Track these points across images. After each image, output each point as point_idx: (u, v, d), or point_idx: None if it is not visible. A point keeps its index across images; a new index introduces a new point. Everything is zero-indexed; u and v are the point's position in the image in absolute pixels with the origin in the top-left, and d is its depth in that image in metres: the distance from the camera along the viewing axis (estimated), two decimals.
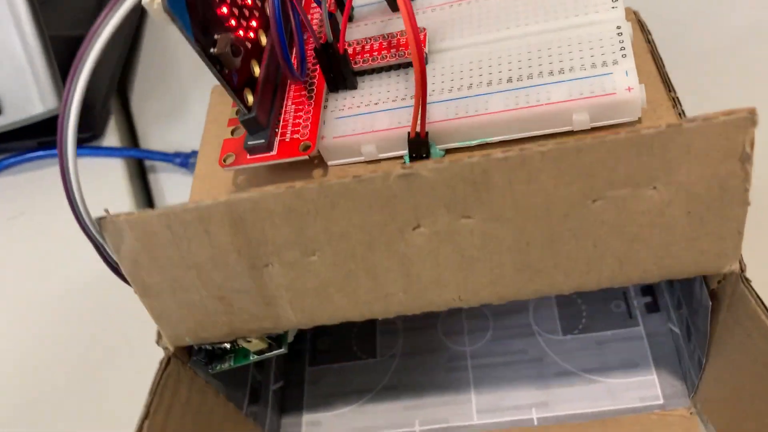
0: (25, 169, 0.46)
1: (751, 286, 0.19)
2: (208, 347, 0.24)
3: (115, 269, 0.21)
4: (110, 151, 0.44)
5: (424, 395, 0.30)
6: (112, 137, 0.45)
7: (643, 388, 0.28)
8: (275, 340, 0.24)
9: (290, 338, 0.24)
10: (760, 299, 0.19)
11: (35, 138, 0.46)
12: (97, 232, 0.19)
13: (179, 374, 0.23)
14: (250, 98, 0.21)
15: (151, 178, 0.43)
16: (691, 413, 0.27)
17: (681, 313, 0.27)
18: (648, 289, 0.31)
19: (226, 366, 0.24)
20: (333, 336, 0.33)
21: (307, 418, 0.31)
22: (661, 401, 0.28)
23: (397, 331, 0.33)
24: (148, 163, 0.44)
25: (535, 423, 0.28)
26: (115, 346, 0.34)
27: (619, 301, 0.31)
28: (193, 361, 0.24)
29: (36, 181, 0.44)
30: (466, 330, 0.32)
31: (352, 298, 0.21)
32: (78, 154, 0.19)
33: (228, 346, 0.24)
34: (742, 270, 0.20)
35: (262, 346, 0.23)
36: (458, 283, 0.20)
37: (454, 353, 0.31)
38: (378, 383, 0.31)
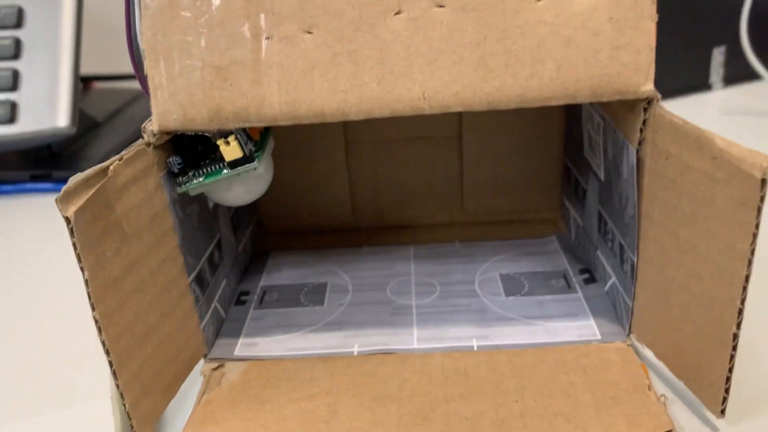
0: (15, 201, 0.48)
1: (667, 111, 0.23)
2: (184, 155, 0.26)
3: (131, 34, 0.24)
4: None
5: (366, 328, 0.30)
6: None
7: (582, 329, 0.29)
8: (248, 158, 0.26)
9: (262, 158, 0.26)
10: (677, 118, 0.23)
11: (28, 171, 0.49)
12: None
13: (149, 167, 0.25)
14: None
15: None
16: (627, 345, 0.28)
17: (609, 230, 0.29)
18: (585, 270, 0.33)
19: (195, 182, 0.26)
20: (283, 292, 0.34)
21: (243, 341, 0.30)
22: (598, 337, 0.29)
23: (346, 290, 0.34)
24: None
25: (475, 349, 0.28)
26: None
27: (558, 279, 0.33)
28: (168, 164, 0.25)
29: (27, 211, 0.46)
30: (414, 292, 0.33)
31: (332, 85, 0.24)
32: None
33: (206, 155, 0.26)
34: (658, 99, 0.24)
35: (238, 154, 0.25)
36: (424, 79, 0.24)
37: (400, 305, 0.32)
38: (322, 321, 0.31)
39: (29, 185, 0.49)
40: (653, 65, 0.24)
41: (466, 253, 0.36)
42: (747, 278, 0.21)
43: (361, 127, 0.38)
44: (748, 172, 0.20)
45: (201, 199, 0.29)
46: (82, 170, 0.22)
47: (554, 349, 0.28)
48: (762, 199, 0.20)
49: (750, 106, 0.54)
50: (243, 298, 0.33)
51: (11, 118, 0.45)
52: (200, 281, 0.29)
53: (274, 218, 0.40)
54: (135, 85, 0.25)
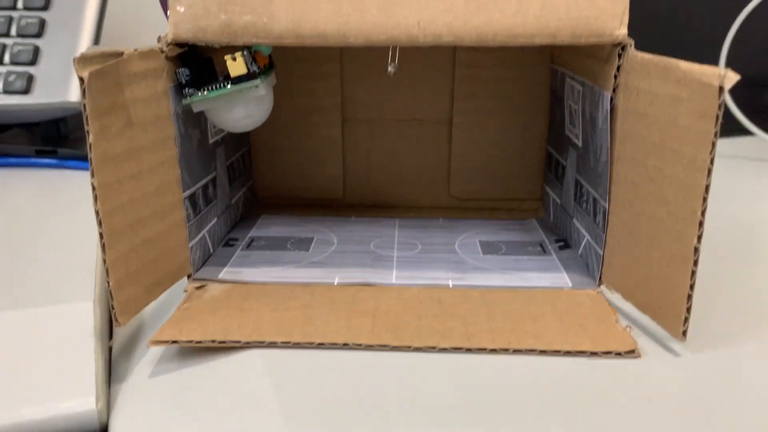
0: (19, 173, 0.49)
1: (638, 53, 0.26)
2: (192, 69, 0.28)
3: None
4: None
5: (348, 268, 0.31)
6: None
7: (555, 280, 0.30)
8: (251, 76, 0.28)
9: (264, 82, 0.28)
10: (648, 54, 0.25)
11: (33, 146, 0.51)
12: None
13: (159, 69, 0.27)
14: None
15: None
16: (597, 292, 0.29)
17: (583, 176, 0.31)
18: (561, 240, 0.35)
19: (200, 96, 0.28)
20: (270, 240, 0.35)
21: (228, 269, 0.31)
22: (570, 286, 0.30)
23: (332, 243, 0.35)
24: None
25: (451, 287, 0.29)
26: None
27: (535, 246, 0.34)
28: (177, 74, 0.27)
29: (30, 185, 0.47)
30: (397, 248, 0.34)
31: (336, 8, 0.26)
32: None
33: (212, 78, 0.27)
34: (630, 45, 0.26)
35: (242, 70, 0.27)
36: (420, 8, 0.26)
37: (382, 255, 0.33)
38: (306, 261, 0.32)
39: (34, 159, 0.50)
40: (627, 13, 0.26)
41: (448, 225, 0.38)
42: (707, 188, 0.22)
43: (358, 105, 0.40)
44: (708, 83, 0.22)
45: (201, 126, 0.31)
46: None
47: (526, 290, 0.29)
48: (720, 107, 0.22)
49: (734, 153, 0.57)
50: (231, 242, 0.34)
51: (26, 89, 0.47)
52: (193, 203, 0.30)
53: (267, 188, 0.41)
54: None
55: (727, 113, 0.55)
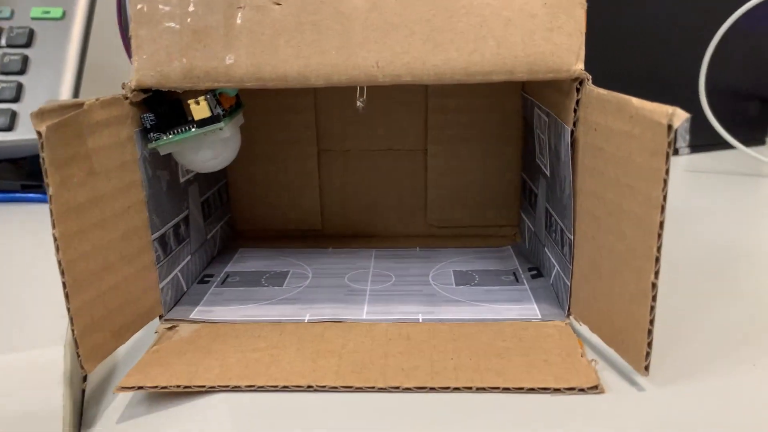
0: (5, 208, 0.49)
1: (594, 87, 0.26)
2: (156, 113, 0.28)
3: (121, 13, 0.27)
4: None
5: (320, 303, 0.32)
6: None
7: (524, 311, 0.30)
8: (215, 119, 0.28)
9: (229, 124, 0.28)
10: (603, 90, 0.25)
11: (19, 180, 0.52)
12: None
13: (123, 116, 0.27)
14: None
15: None
16: (565, 324, 0.29)
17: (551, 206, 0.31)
18: (534, 268, 0.35)
19: (165, 140, 0.28)
20: (245, 276, 0.35)
21: (200, 308, 0.31)
22: (539, 317, 0.30)
23: (306, 277, 0.35)
24: None
25: (420, 321, 0.30)
26: None
27: (509, 275, 0.34)
28: (142, 119, 0.28)
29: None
30: (370, 281, 0.34)
31: (296, 51, 0.27)
32: None
33: (178, 120, 0.28)
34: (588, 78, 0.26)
35: (206, 114, 0.28)
36: (379, 49, 0.27)
37: (355, 288, 0.33)
38: (278, 297, 0.32)
39: (20, 194, 0.51)
40: (583, 48, 0.26)
41: (424, 255, 0.38)
42: (661, 225, 0.23)
43: (333, 137, 0.40)
44: (657, 121, 0.22)
45: (171, 167, 0.31)
46: None
47: (495, 323, 0.29)
48: (669, 144, 0.22)
49: (713, 167, 0.57)
50: (207, 279, 0.35)
51: (10, 126, 0.48)
52: (163, 244, 0.30)
53: (245, 221, 0.42)
54: None
55: (708, 127, 0.56)
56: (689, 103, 0.61)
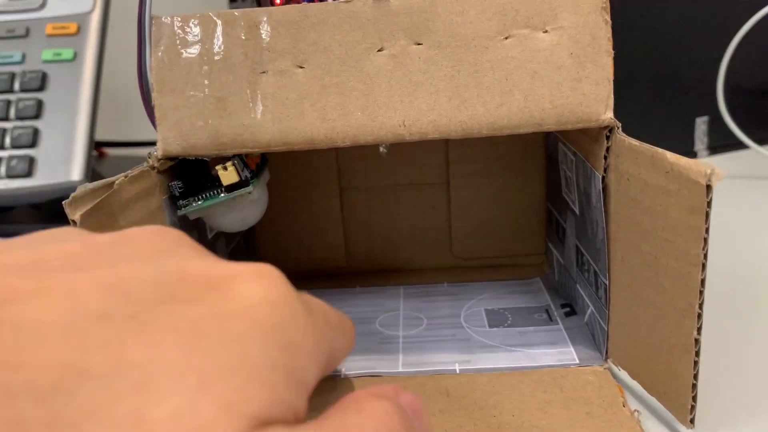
0: None
1: (625, 135, 0.26)
2: (185, 182, 0.28)
3: (142, 69, 0.27)
4: None
5: (354, 354, 0.31)
6: None
7: (561, 355, 0.30)
8: (244, 183, 0.28)
9: (257, 185, 0.28)
10: (635, 141, 0.25)
11: (41, 224, 0.52)
12: (147, 29, 0.27)
13: (152, 187, 0.27)
14: None
15: None
16: (604, 369, 0.29)
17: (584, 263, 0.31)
18: (567, 305, 0.35)
19: (194, 206, 0.28)
20: None
21: None
22: (577, 362, 0.30)
23: None
24: None
25: (458, 372, 0.30)
26: None
27: (541, 313, 0.34)
28: (170, 188, 0.28)
29: None
30: (402, 325, 0.34)
31: (321, 114, 0.27)
32: None
33: (205, 183, 0.28)
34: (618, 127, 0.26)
35: (234, 179, 0.28)
36: (404, 108, 0.26)
37: (388, 335, 0.33)
38: None
39: None
40: (612, 96, 0.26)
41: (453, 292, 0.38)
42: (703, 282, 0.22)
43: (355, 174, 0.40)
44: (695, 180, 0.22)
45: (200, 226, 0.31)
46: None
47: (534, 371, 0.29)
48: (708, 204, 0.22)
49: (734, 171, 0.56)
50: None
51: (29, 172, 0.48)
52: None
53: (270, 261, 0.41)
54: (146, 151, 0.28)
55: (724, 127, 0.55)
56: (707, 104, 0.61)
